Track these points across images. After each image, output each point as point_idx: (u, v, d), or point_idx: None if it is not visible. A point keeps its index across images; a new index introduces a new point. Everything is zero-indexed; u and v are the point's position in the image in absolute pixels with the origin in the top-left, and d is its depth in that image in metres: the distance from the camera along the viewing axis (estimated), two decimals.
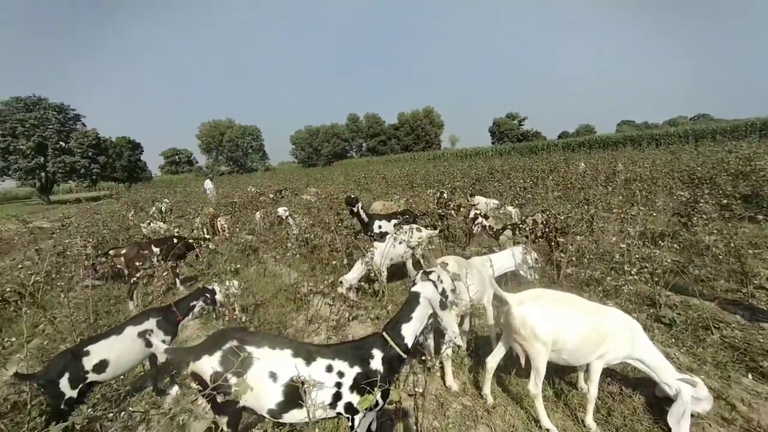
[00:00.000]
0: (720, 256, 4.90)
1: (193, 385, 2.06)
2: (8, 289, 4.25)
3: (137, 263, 5.30)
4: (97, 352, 2.79)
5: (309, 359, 2.06)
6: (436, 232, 5.62)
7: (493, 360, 2.88)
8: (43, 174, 34.44)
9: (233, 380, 1.95)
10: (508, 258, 3.93)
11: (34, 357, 3.95)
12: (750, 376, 3.03)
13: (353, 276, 4.71)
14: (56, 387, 2.60)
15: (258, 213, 9.47)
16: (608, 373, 3.15)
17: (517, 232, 5.41)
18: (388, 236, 5.12)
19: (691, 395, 2.35)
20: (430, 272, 2.45)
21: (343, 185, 14.13)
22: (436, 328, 3.29)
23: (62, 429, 1.65)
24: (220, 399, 1.99)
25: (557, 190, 10.10)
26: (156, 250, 5.67)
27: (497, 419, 2.78)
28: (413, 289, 2.30)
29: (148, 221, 9.16)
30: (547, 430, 2.58)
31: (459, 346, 2.34)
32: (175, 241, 5.98)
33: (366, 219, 6.48)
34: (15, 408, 3.15)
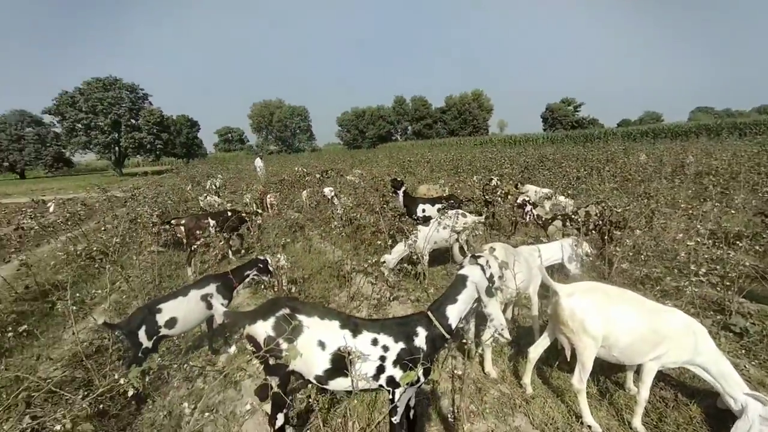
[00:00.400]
0: None
1: (248, 346, 2.23)
2: (94, 249, 4.80)
3: (196, 233, 5.74)
4: (168, 310, 3.16)
5: (356, 331, 2.15)
6: (482, 218, 5.50)
7: (536, 351, 2.82)
8: (116, 148, 38.02)
9: (284, 345, 2.08)
10: (556, 249, 3.78)
11: (113, 310, 4.46)
12: None
13: (393, 257, 4.77)
14: (135, 337, 2.99)
15: (304, 192, 9.80)
16: (661, 377, 2.98)
17: (567, 224, 5.16)
18: (432, 221, 5.11)
19: (759, 414, 2.15)
20: (479, 257, 2.43)
21: (387, 168, 14.16)
22: (477, 313, 3.28)
23: (138, 372, 1.88)
24: (271, 362, 2.14)
25: (614, 181, 9.42)
26: (212, 222, 6.11)
27: (536, 410, 2.75)
28: (461, 272, 2.30)
29: (204, 195, 9.83)
30: (589, 426, 2.51)
31: (506, 339, 2.31)
32: (229, 214, 6.39)
33: (410, 202, 6.49)
34: (98, 351, 3.61)
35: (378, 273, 4.47)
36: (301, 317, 2.18)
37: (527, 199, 5.65)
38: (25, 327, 3.26)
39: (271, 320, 2.17)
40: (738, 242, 4.38)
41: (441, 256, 5.64)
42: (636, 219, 5.55)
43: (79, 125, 35.97)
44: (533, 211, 5.42)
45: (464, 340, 2.61)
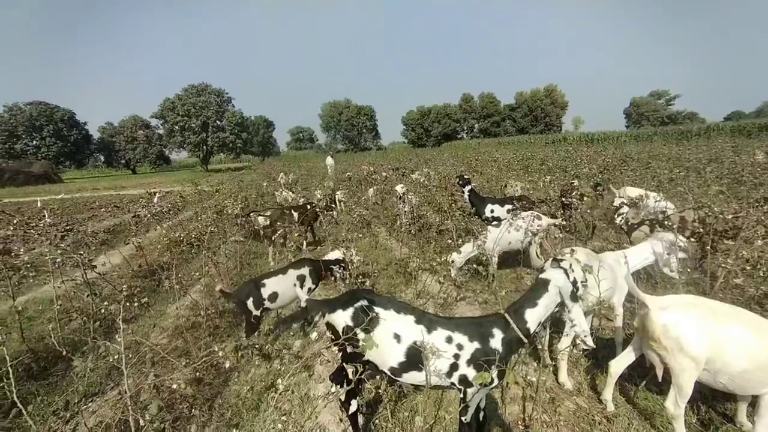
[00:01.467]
0: None
1: (328, 333, 2.38)
2: (192, 236, 5.46)
3: (278, 224, 6.32)
4: (270, 285, 3.65)
5: (430, 327, 2.18)
6: (559, 221, 5.19)
7: (619, 365, 2.59)
8: (204, 147, 42.73)
9: (361, 335, 2.19)
10: (646, 252, 3.39)
11: (204, 291, 5.02)
12: None
13: (462, 257, 4.71)
14: (245, 305, 3.52)
15: (371, 189, 10.06)
16: None
17: (657, 229, 4.64)
18: (503, 221, 4.95)
19: None
20: (561, 260, 2.31)
21: (453, 167, 13.94)
22: (553, 320, 3.11)
23: (233, 348, 2.12)
24: (349, 350, 2.26)
25: (719, 184, 8.22)
26: (296, 214, 6.70)
27: (619, 429, 2.54)
28: (542, 275, 2.22)
29: (280, 190, 10.58)
30: None
31: (589, 346, 2.17)
32: (309, 208, 6.91)
33: (478, 202, 6.34)
34: (193, 326, 4.11)
35: (445, 272, 4.45)
36: (378, 309, 2.26)
37: (622, 199, 5.22)
38: (145, 300, 3.83)
39: (350, 310, 2.29)
40: None
41: (511, 259, 5.43)
42: (753, 227, 4.82)
43: (176, 127, 41.10)
44: (627, 214, 4.98)
45: (538, 346, 2.50)
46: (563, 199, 5.83)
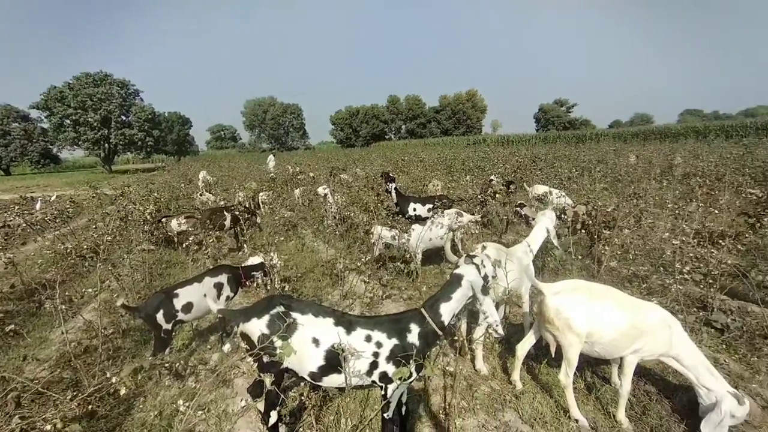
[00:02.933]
0: None
1: (242, 344, 2.25)
2: (85, 247, 4.75)
3: (194, 228, 5.86)
4: (184, 295, 3.33)
5: (350, 328, 2.18)
6: (478, 217, 5.56)
7: (523, 348, 2.88)
8: (106, 145, 37.44)
9: (278, 343, 2.10)
10: (541, 230, 3.72)
11: (103, 309, 4.42)
12: None
13: (389, 234, 4.91)
14: (154, 319, 3.18)
15: (297, 190, 9.78)
16: (646, 372, 3.06)
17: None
18: (429, 219, 5.16)
19: (732, 411, 2.23)
20: (474, 256, 2.47)
21: (381, 167, 14.18)
22: (469, 312, 3.33)
23: (131, 372, 1.89)
24: (266, 359, 2.16)
25: (604, 182, 9.57)
26: (226, 215, 6.43)
27: (525, 405, 2.80)
28: (456, 271, 2.35)
29: (200, 192, 9.78)
30: (576, 420, 2.57)
31: (499, 335, 2.36)
32: (239, 211, 6.51)
33: (402, 201, 6.53)
34: (87, 351, 3.58)
35: (371, 271, 4.51)
36: (295, 315, 2.20)
37: (523, 203, 5.77)
38: (12, 327, 3.22)
39: (266, 318, 2.19)
40: (721, 241, 4.50)
41: (434, 255, 5.69)
42: (625, 219, 5.66)
43: (68, 121, 35.29)
44: (522, 211, 5.52)
45: (455, 338, 2.65)
46: (480, 197, 6.28)
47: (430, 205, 6.01)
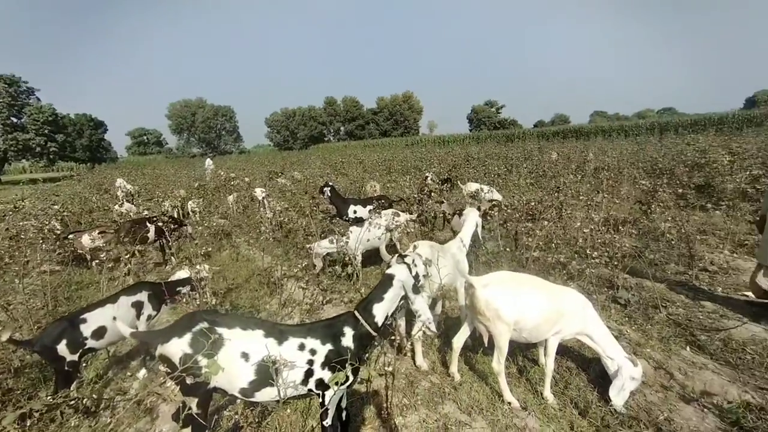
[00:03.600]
0: (672, 242, 5.24)
1: (162, 368, 2.05)
2: None
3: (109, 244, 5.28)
4: (94, 319, 2.93)
5: (281, 338, 2.10)
6: (414, 216, 5.70)
7: (459, 340, 3.01)
8: None
9: (204, 362, 1.96)
10: (471, 224, 3.85)
11: None
12: (688, 348, 3.31)
13: (324, 246, 4.82)
14: (53, 352, 2.74)
15: (231, 196, 9.26)
16: (566, 350, 3.35)
17: (487, 217, 5.57)
18: (366, 221, 5.17)
19: (630, 373, 2.56)
20: (406, 256, 2.51)
21: (319, 169, 13.97)
22: (408, 310, 3.39)
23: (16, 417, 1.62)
24: (189, 381, 2.00)
25: (530, 177, 10.39)
26: (152, 228, 5.83)
27: (463, 395, 2.92)
28: (388, 271, 2.36)
29: (120, 203, 8.82)
30: (509, 403, 2.74)
31: (432, 332, 2.43)
32: (161, 224, 5.95)
33: (340, 204, 6.48)
34: None
35: (309, 277, 4.40)
36: (221, 330, 2.06)
37: (442, 200, 6.03)
38: None
39: (188, 336, 2.02)
40: (622, 227, 5.12)
41: (374, 256, 5.72)
42: (547, 211, 6.18)
43: None
44: (438, 206, 5.79)
45: (393, 337, 2.68)
46: (416, 196, 6.46)
47: (371, 207, 6.04)
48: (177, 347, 2.00)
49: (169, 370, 2.03)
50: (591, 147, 17.26)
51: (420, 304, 2.38)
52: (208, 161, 18.04)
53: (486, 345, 2.87)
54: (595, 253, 4.12)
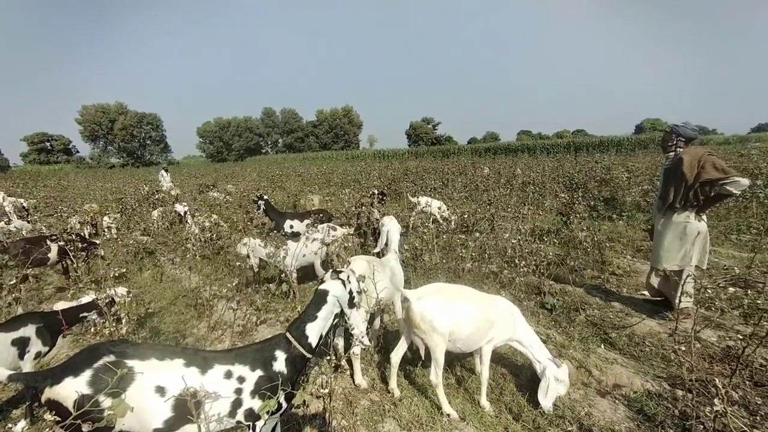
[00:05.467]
0: (588, 249, 5.81)
1: (48, 416, 1.72)
2: None
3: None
4: None
5: (205, 367, 1.91)
6: (352, 230, 5.64)
7: (397, 355, 2.98)
8: None
9: (107, 403, 1.69)
10: (395, 235, 3.81)
11: None
12: (602, 346, 3.64)
13: (262, 249, 4.59)
14: None
15: (155, 211, 8.44)
16: (500, 357, 3.50)
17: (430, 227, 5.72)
18: (302, 236, 5.00)
19: (554, 374, 2.72)
20: (340, 271, 2.44)
21: (255, 182, 13.37)
22: (347, 327, 3.30)
23: None
24: (86, 428, 1.70)
25: (464, 191, 10.93)
26: (54, 247, 5.11)
27: (403, 411, 2.88)
28: (321, 287, 2.28)
29: (7, 219, 7.55)
30: (448, 415, 2.76)
31: (366, 345, 2.38)
32: (64, 243, 5.18)
33: (277, 217, 6.23)
34: None
35: (242, 297, 4.11)
36: (132, 363, 1.81)
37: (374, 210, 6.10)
38: None
39: (87, 374, 1.74)
40: (546, 237, 5.56)
41: (311, 272, 5.54)
42: (480, 223, 6.51)
43: None
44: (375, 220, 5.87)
45: (329, 357, 2.57)
46: (354, 210, 6.42)
47: (308, 221, 5.87)
48: (71, 388, 1.71)
49: (58, 418, 1.72)
50: (518, 163, 18.73)
51: (355, 318, 2.33)
52: (162, 173, 15.19)
53: (423, 357, 2.88)
54: (523, 262, 4.40)
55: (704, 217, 3.81)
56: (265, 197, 6.64)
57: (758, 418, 2.46)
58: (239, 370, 1.94)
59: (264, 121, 64.44)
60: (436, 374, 2.69)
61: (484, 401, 2.87)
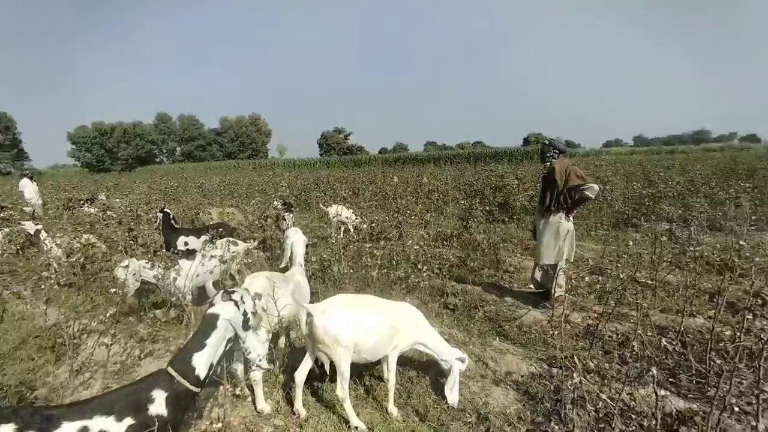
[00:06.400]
0: (485, 250, 6.37)
1: None
2: None
3: None
4: None
5: (49, 428, 1.54)
6: (255, 244, 5.29)
7: (301, 373, 2.83)
8: None
9: None
10: (300, 248, 3.76)
11: None
12: (498, 339, 3.99)
13: (149, 271, 4.05)
14: None
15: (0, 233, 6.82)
16: (406, 360, 3.57)
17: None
18: (197, 254, 4.52)
19: (460, 369, 2.90)
20: (233, 291, 2.23)
21: (145, 196, 11.79)
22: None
23: None
24: None
25: (374, 199, 11.17)
26: None
27: (311, 429, 2.75)
28: (210, 311, 2.05)
29: None
30: (356, 428, 2.70)
31: (265, 368, 2.21)
32: None
33: (169, 233, 5.55)
34: None
35: (119, 329, 3.51)
36: None
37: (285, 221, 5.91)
38: None
39: None
40: (448, 241, 5.95)
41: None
42: (389, 230, 6.68)
43: None
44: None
45: (227, 386, 2.32)
46: (258, 222, 6.06)
47: (206, 237, 5.33)
48: None
49: None
50: (425, 172, 19.88)
51: (251, 341, 2.16)
52: (26, 181, 11.32)
53: (328, 373, 2.80)
54: (425, 267, 4.61)
55: (571, 217, 4.46)
56: (167, 210, 5.89)
57: (606, 380, 2.91)
58: (99, 423, 1.62)
59: (158, 127, 57.72)
60: (342, 388, 2.62)
61: (392, 407, 2.89)
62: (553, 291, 4.11)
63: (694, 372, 3.08)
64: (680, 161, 18.13)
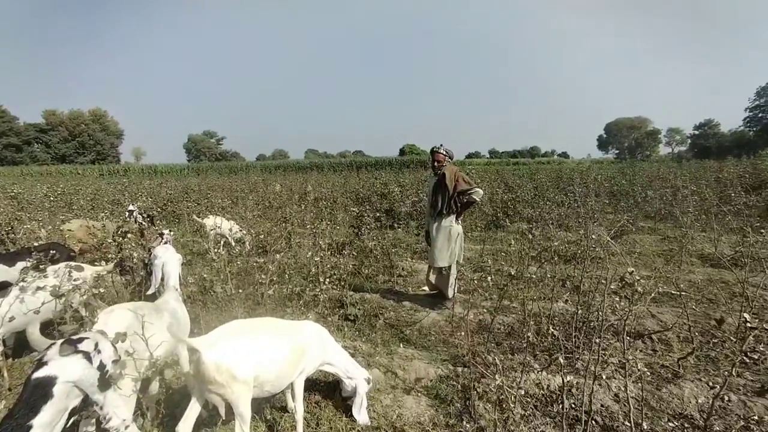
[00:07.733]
0: (378, 256, 6.43)
1: None
2: None
3: None
4: None
5: None
6: (110, 267, 4.19)
7: (186, 425, 2.24)
8: None
9: None
10: (175, 267, 3.27)
11: None
12: (401, 345, 3.99)
13: None
14: None
15: None
16: (312, 384, 3.27)
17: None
18: (11, 288, 3.33)
19: (365, 389, 2.75)
20: (79, 341, 1.61)
21: None
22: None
23: None
24: None
25: (257, 209, 10.32)
26: None
27: None
28: (38, 374, 1.43)
29: None
30: None
31: None
32: None
33: None
34: None
35: None
36: None
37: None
38: None
39: None
40: (343, 250, 5.80)
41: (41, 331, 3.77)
42: (278, 242, 6.17)
43: None
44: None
45: None
46: (114, 238, 4.85)
47: (24, 263, 3.96)
48: None
49: None
50: (309, 180, 19.43)
51: (111, 402, 1.59)
52: None
53: (224, 417, 2.31)
54: (322, 278, 4.37)
55: (460, 221, 4.80)
56: None
57: (498, 369, 3.16)
58: None
59: None
60: (242, 430, 2.18)
61: None
62: (448, 292, 4.33)
63: (564, 349, 3.59)
64: (526, 171, 22.01)
